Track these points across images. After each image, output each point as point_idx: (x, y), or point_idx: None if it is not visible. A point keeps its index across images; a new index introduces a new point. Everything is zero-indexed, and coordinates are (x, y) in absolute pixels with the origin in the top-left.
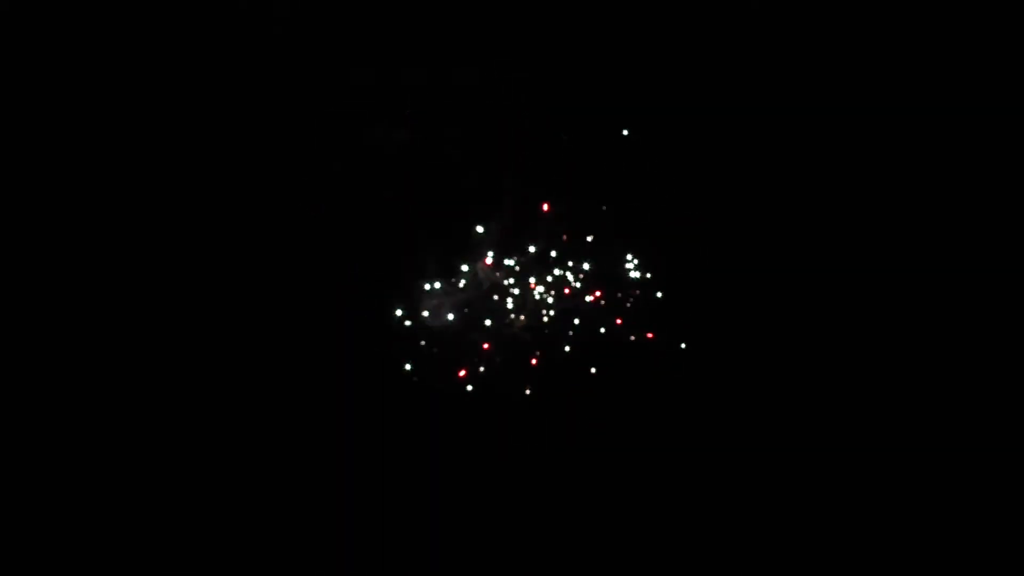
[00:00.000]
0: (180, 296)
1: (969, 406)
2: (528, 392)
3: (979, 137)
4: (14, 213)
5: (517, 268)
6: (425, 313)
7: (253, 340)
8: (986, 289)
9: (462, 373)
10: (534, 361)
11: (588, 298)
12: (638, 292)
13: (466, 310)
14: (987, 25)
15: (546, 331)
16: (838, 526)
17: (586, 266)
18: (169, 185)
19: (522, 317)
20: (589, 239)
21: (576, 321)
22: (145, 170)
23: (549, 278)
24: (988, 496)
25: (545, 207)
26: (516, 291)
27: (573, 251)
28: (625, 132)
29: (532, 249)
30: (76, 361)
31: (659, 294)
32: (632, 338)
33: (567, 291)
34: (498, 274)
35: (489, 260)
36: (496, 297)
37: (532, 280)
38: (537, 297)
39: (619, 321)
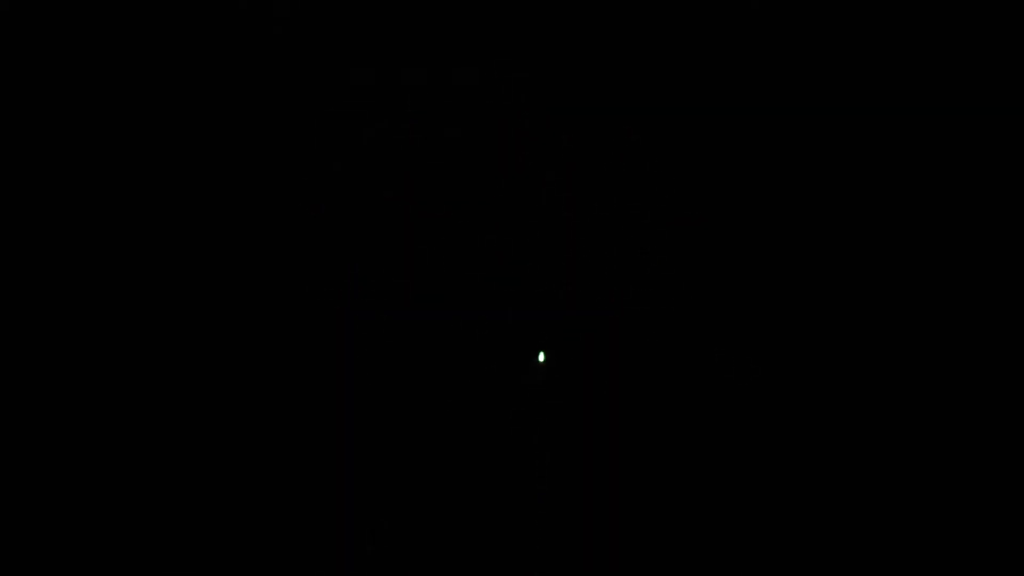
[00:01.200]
0: (177, 295)
1: (969, 406)
2: (526, 392)
3: (979, 137)
4: (13, 213)
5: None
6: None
7: (252, 340)
8: (987, 290)
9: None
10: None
11: (593, 300)
12: (640, 294)
13: (464, 309)
14: (987, 25)
15: (546, 333)
16: (839, 526)
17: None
18: (167, 185)
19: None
20: (591, 241)
21: (578, 323)
22: (143, 170)
23: (551, 279)
24: (988, 496)
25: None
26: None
27: (573, 251)
28: (628, 133)
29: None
30: (75, 361)
31: (662, 296)
32: (633, 339)
33: (571, 293)
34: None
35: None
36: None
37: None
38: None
39: (620, 322)
